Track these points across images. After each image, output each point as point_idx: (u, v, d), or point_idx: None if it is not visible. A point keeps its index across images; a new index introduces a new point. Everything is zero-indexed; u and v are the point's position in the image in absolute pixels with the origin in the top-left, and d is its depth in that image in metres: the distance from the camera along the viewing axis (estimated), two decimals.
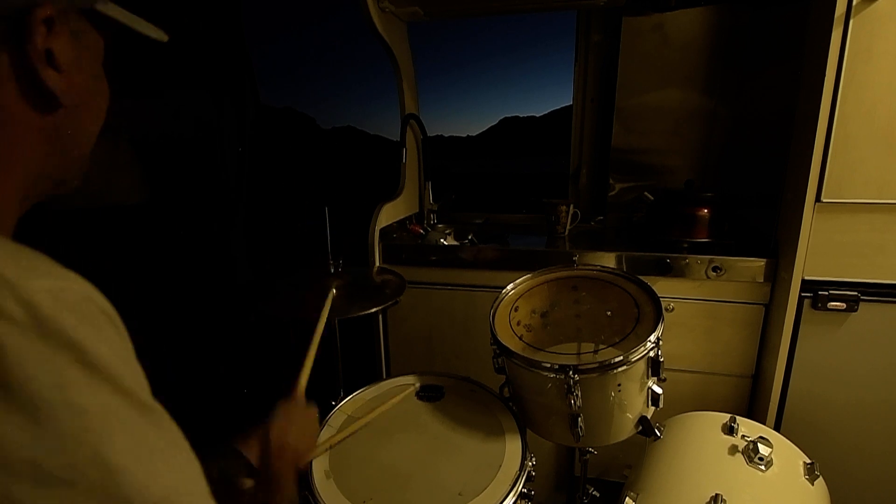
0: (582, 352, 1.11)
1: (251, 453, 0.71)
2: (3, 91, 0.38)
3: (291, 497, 0.73)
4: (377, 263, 1.72)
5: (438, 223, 2.00)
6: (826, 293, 1.30)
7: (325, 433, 1.01)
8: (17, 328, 0.29)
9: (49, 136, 0.42)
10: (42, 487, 0.29)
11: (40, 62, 0.39)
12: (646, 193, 1.71)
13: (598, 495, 1.32)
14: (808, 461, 1.06)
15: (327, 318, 1.02)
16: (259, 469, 0.70)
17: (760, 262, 1.42)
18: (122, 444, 0.32)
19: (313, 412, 0.84)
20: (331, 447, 0.95)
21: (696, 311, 1.50)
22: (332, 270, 1.34)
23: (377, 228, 1.71)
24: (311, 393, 0.89)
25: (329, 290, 1.19)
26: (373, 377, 1.19)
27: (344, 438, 0.97)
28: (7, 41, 0.37)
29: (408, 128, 1.92)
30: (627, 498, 1.02)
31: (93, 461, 0.31)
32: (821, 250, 1.29)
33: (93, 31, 0.43)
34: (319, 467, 0.91)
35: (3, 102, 0.38)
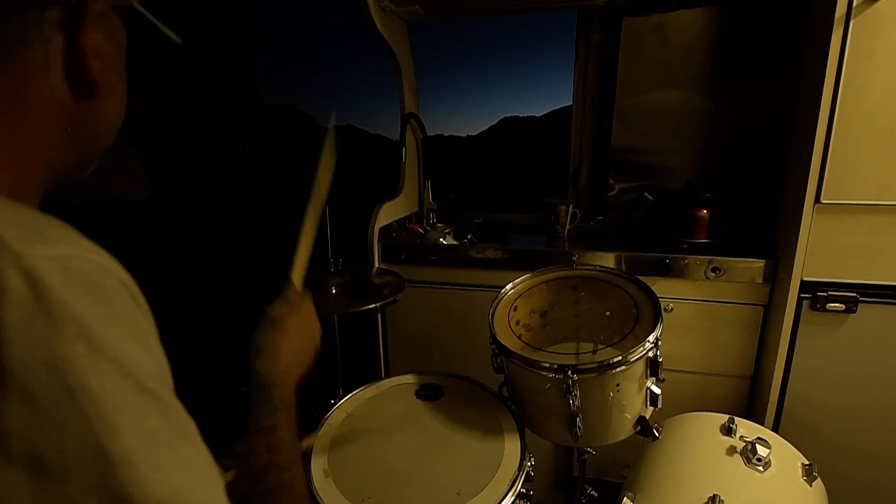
0: (581, 352, 1.11)
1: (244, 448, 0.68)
2: (51, 74, 0.39)
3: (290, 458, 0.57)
4: (376, 263, 1.71)
5: (438, 222, 1.99)
6: (825, 294, 1.30)
7: (325, 432, 1.01)
8: (17, 301, 0.27)
9: (75, 123, 0.42)
10: (37, 476, 0.27)
11: (91, 51, 0.40)
12: (645, 194, 1.71)
13: (596, 495, 1.32)
14: (807, 462, 1.06)
15: (327, 317, 1.01)
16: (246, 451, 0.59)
17: (760, 263, 1.42)
18: (125, 433, 0.29)
19: (309, 309, 0.71)
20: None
21: (696, 311, 1.50)
22: (332, 269, 1.34)
23: (376, 227, 1.70)
24: (310, 389, 0.88)
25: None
26: (372, 376, 1.19)
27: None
28: (62, 27, 0.38)
29: (408, 127, 1.92)
30: (626, 498, 1.02)
31: (91, 451, 0.28)
32: (820, 251, 1.29)
33: (122, 28, 0.45)
34: (318, 466, 0.91)
35: (48, 84, 0.39)
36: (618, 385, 0.97)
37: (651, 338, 0.96)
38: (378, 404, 1.09)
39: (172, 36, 0.47)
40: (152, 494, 0.30)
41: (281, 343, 0.64)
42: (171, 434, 0.33)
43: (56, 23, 0.38)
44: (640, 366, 0.97)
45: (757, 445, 1.03)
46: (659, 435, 1.05)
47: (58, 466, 0.27)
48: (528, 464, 0.93)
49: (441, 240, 1.76)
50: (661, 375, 1.00)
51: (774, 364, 1.38)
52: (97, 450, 0.28)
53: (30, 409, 0.27)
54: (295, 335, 0.66)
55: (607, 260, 1.55)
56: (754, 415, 1.49)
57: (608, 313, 1.12)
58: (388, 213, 1.79)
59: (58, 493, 0.27)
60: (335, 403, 1.09)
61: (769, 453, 1.02)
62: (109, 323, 0.31)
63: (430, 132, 1.99)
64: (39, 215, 0.32)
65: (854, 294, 1.29)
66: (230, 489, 0.37)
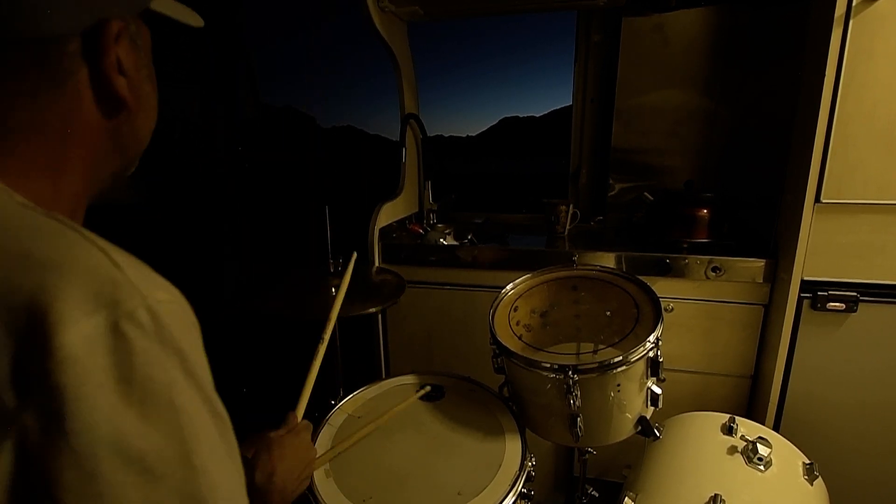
0: (581, 352, 1.11)
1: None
2: (83, 102, 0.42)
3: None
4: (376, 263, 1.71)
5: (438, 223, 1.99)
6: (825, 294, 1.30)
7: (326, 433, 1.01)
8: (145, 332, 0.33)
9: (112, 138, 0.45)
10: (140, 476, 0.31)
11: (114, 73, 0.42)
12: (646, 194, 1.71)
13: (597, 495, 1.32)
14: (807, 461, 1.06)
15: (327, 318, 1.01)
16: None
17: (760, 263, 1.42)
18: (205, 446, 0.35)
19: (306, 440, 0.78)
20: (332, 459, 0.93)
21: (696, 311, 1.50)
22: (332, 270, 1.34)
23: (377, 228, 1.70)
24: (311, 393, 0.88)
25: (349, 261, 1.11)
26: (372, 376, 1.19)
27: (348, 447, 0.95)
28: (85, 56, 0.40)
29: (408, 127, 1.92)
30: (627, 498, 1.02)
31: (182, 459, 0.33)
32: (820, 251, 1.29)
33: (143, 30, 0.46)
34: (319, 467, 0.91)
35: (82, 111, 0.42)
36: (618, 385, 0.97)
37: (651, 338, 0.96)
38: (379, 406, 1.09)
39: (194, 21, 0.48)
40: (221, 500, 0.35)
41: (277, 461, 0.69)
42: (226, 450, 0.38)
43: (77, 55, 0.40)
44: (641, 366, 0.97)
45: (758, 445, 1.03)
46: (660, 435, 1.05)
47: (158, 471, 0.32)
48: (529, 464, 0.93)
49: (441, 240, 1.76)
50: (662, 375, 1.00)
51: (775, 363, 1.38)
52: (186, 459, 0.34)
53: (144, 421, 0.32)
54: (291, 456, 0.72)
55: (607, 260, 1.55)
56: (755, 414, 1.49)
57: (608, 313, 1.12)
58: (388, 214, 1.79)
59: (153, 494, 0.32)
60: (336, 404, 1.09)
61: (770, 453, 1.02)
62: (195, 355, 0.37)
63: (430, 132, 1.99)
64: (142, 263, 0.37)
65: (854, 293, 1.29)
66: None
